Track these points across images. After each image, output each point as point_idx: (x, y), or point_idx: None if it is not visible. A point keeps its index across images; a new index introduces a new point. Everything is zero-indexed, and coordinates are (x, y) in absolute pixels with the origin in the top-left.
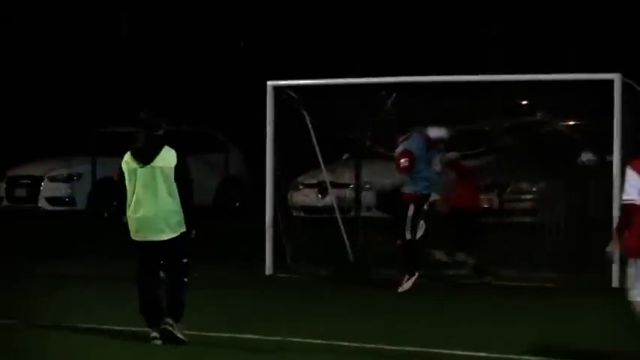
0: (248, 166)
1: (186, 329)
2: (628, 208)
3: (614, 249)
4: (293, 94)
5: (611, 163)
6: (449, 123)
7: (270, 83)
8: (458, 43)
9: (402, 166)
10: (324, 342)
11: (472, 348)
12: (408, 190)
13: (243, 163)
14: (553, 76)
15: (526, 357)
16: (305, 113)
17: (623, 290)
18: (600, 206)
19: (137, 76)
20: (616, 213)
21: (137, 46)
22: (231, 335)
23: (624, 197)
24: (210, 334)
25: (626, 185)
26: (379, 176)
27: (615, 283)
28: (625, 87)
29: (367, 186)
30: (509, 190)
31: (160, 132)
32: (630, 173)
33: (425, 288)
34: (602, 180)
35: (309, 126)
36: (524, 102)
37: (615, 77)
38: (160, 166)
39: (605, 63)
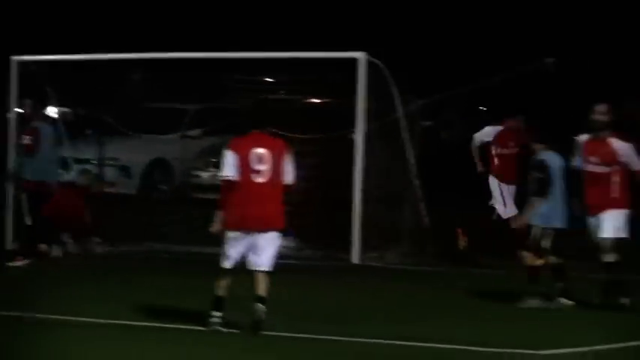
0: None
1: None
2: (226, 185)
3: (215, 226)
4: (38, 69)
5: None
6: (193, 100)
7: (14, 58)
8: (198, 20)
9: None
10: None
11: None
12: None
13: None
14: (298, 54)
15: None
16: (49, 89)
17: (363, 267)
18: (342, 185)
19: None
20: (357, 192)
21: None
22: None
23: (222, 174)
24: None
25: (224, 163)
26: (125, 153)
27: (355, 260)
28: (369, 66)
29: (111, 162)
30: None
31: None
32: (228, 153)
33: None
34: (341, 159)
35: (53, 102)
36: (269, 80)
37: (360, 56)
38: None
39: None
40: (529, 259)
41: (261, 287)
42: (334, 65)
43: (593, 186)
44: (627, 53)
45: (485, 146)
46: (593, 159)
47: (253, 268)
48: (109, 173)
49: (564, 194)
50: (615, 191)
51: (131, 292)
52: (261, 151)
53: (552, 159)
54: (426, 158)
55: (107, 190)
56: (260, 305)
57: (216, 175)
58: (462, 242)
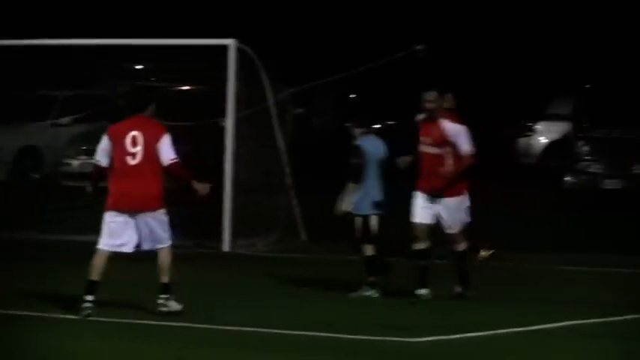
0: None
1: None
2: (96, 169)
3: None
4: None
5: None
6: (63, 87)
7: None
8: (66, 6)
9: None
10: None
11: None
12: None
13: None
14: (168, 41)
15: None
16: None
17: (234, 255)
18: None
19: None
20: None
21: None
22: None
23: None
24: None
25: (98, 148)
26: None
27: (226, 248)
28: (240, 53)
29: None
30: None
31: None
32: (103, 138)
33: None
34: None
35: None
36: (140, 67)
37: (230, 42)
38: None
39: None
40: (368, 249)
41: (161, 269)
42: (205, 52)
43: (427, 167)
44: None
45: None
46: (426, 140)
47: (155, 249)
48: None
49: (380, 181)
50: (449, 173)
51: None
52: (135, 133)
53: (371, 144)
54: (297, 146)
55: None
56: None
57: (85, 163)
58: (484, 254)
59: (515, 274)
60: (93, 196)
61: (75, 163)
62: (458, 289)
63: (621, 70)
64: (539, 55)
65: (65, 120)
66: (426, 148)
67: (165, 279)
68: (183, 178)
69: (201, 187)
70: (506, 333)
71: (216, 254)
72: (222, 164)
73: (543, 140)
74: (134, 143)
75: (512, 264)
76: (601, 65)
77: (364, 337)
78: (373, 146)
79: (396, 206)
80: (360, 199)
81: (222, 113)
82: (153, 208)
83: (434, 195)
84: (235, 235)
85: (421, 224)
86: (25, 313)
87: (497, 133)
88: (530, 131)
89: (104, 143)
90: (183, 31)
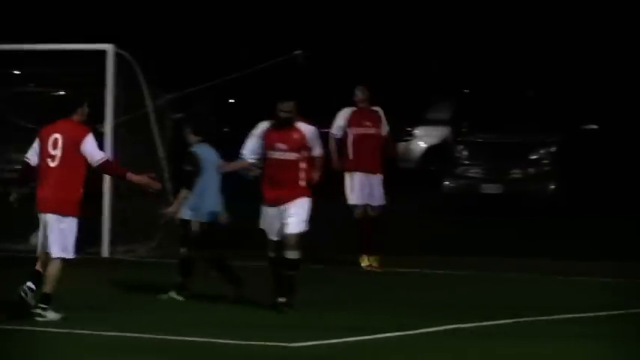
0: None
1: None
2: (24, 167)
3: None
4: None
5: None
6: None
7: None
8: None
9: None
10: None
11: None
12: None
13: None
14: (46, 46)
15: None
16: None
17: (113, 260)
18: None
19: None
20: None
21: None
22: None
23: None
24: None
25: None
26: None
27: (105, 254)
28: (119, 58)
29: None
30: None
31: None
32: (36, 140)
33: None
34: None
35: None
36: (17, 72)
37: (109, 48)
38: None
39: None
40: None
41: (47, 278)
42: (84, 58)
43: (278, 174)
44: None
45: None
46: (281, 146)
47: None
48: None
49: (217, 188)
50: (302, 179)
51: None
52: (56, 136)
53: (205, 152)
54: (176, 151)
55: None
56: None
57: None
58: (369, 261)
59: (395, 278)
60: (18, 201)
61: None
62: (282, 299)
63: (500, 74)
64: (418, 59)
65: None
66: (281, 155)
67: (47, 289)
68: (118, 176)
69: (143, 179)
70: (389, 337)
71: (95, 260)
72: None
73: (422, 145)
74: (55, 146)
75: (392, 268)
76: (480, 69)
77: (241, 342)
78: (208, 154)
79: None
80: (193, 206)
81: (100, 118)
82: (61, 213)
83: (280, 203)
84: (114, 240)
85: (294, 234)
86: None
87: None
88: (409, 136)
89: (35, 142)
90: (62, 37)
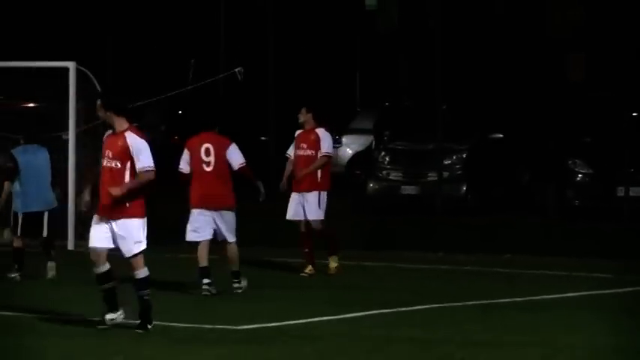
0: None
1: None
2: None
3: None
4: None
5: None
6: None
7: None
8: None
9: None
10: None
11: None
12: None
13: None
14: (16, 64)
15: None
16: None
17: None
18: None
19: None
20: (71, 185)
21: None
22: None
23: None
24: None
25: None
26: None
27: (71, 246)
28: (79, 74)
29: None
30: None
31: None
32: (185, 150)
33: None
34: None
35: None
36: None
37: (70, 65)
38: None
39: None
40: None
41: (232, 259)
42: (48, 73)
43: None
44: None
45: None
46: (108, 153)
47: None
48: None
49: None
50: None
51: None
52: (207, 145)
53: (25, 153)
54: None
55: None
56: None
57: None
58: (334, 265)
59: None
60: None
61: None
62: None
63: (416, 89)
64: (345, 75)
65: None
66: (108, 162)
67: (235, 267)
68: (250, 178)
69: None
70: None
71: (62, 252)
72: (66, 172)
73: (349, 151)
74: (207, 154)
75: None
76: (398, 84)
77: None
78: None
79: None
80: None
81: (64, 127)
82: (228, 207)
83: (106, 214)
84: (80, 235)
85: (96, 248)
86: None
87: None
88: (337, 143)
89: (185, 154)
90: (26, 54)
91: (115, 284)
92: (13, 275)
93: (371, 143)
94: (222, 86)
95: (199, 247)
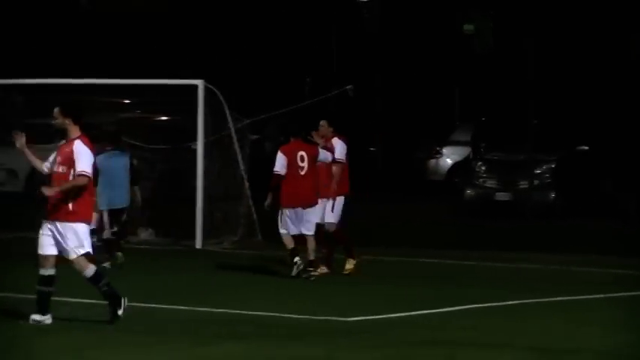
0: None
1: None
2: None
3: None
4: None
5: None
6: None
7: None
8: (67, 52)
9: None
10: None
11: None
12: None
13: None
14: (151, 81)
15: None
16: None
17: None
18: (187, 185)
19: None
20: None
21: None
22: None
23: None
24: None
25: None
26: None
27: (198, 246)
28: (207, 91)
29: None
30: None
31: None
32: (279, 154)
33: None
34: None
35: None
36: (127, 101)
37: (199, 83)
38: None
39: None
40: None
41: (310, 249)
42: (178, 90)
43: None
44: None
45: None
46: (58, 159)
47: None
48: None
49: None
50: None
51: None
52: (302, 153)
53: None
54: (254, 164)
55: None
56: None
57: None
58: (350, 267)
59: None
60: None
61: None
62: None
63: (510, 104)
64: (445, 92)
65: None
66: (56, 167)
67: (312, 256)
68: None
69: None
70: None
71: (190, 251)
72: (194, 178)
73: (449, 161)
74: (302, 160)
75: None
76: (494, 101)
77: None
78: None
79: None
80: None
81: (193, 138)
82: (314, 204)
83: (50, 217)
84: (206, 235)
85: (45, 255)
86: None
87: (410, 156)
88: (438, 154)
89: (283, 160)
90: (162, 73)
91: (53, 290)
92: (106, 264)
93: (468, 154)
94: (335, 102)
95: (286, 237)
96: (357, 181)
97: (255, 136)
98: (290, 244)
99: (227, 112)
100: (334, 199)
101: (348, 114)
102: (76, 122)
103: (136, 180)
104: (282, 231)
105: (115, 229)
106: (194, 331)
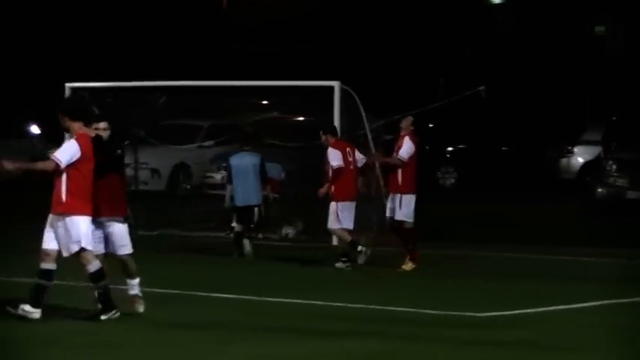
0: None
1: None
2: (337, 171)
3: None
4: (86, 95)
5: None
6: (206, 118)
7: (67, 85)
8: (209, 58)
9: None
10: None
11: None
12: None
13: None
14: (287, 83)
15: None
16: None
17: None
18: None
19: None
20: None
21: None
22: None
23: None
24: None
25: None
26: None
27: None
28: (343, 92)
29: (143, 165)
30: None
31: None
32: (331, 150)
33: None
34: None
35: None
36: (264, 102)
37: (335, 84)
38: None
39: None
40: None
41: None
42: (315, 91)
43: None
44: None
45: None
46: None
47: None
48: (143, 175)
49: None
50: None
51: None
52: (349, 149)
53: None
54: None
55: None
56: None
57: (224, 176)
58: (406, 267)
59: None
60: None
61: (217, 176)
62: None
63: None
64: (577, 93)
65: (208, 143)
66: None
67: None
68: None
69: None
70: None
71: (327, 247)
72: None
73: (580, 160)
74: (350, 155)
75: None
76: (625, 101)
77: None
78: (238, 159)
79: None
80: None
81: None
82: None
83: (52, 211)
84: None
85: (46, 249)
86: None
87: (542, 155)
88: (569, 153)
89: (339, 154)
90: (297, 75)
91: (49, 285)
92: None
93: (599, 153)
94: (468, 103)
95: (340, 232)
96: (490, 180)
97: (389, 137)
98: (347, 237)
99: (362, 112)
100: (401, 197)
101: (481, 114)
102: (74, 120)
103: (266, 179)
104: (334, 226)
105: (252, 225)
106: (322, 326)
